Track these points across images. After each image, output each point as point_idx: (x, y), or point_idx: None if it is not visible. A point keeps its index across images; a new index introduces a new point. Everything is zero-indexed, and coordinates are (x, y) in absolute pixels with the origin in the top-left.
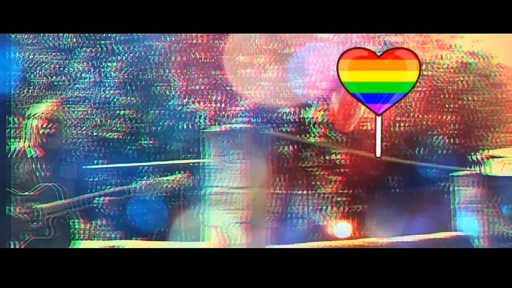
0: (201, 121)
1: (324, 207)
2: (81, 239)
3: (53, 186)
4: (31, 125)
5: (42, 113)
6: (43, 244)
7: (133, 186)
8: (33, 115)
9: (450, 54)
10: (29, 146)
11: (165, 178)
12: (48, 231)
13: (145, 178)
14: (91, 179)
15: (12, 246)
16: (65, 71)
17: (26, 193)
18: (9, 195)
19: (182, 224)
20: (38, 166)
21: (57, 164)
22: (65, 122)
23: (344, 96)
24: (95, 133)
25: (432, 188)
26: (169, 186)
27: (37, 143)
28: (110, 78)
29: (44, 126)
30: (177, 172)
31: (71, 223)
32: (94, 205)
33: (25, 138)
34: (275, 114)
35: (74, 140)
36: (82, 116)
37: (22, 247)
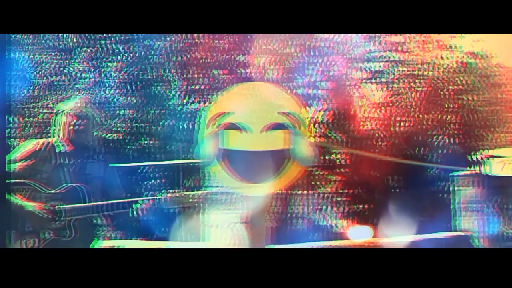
0: (201, 121)
1: (324, 207)
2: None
3: (78, 187)
4: (60, 121)
5: (71, 110)
6: (62, 244)
7: (157, 198)
8: (62, 111)
9: (450, 54)
10: (58, 141)
11: (191, 193)
12: (69, 232)
13: (170, 190)
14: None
15: (32, 244)
16: (65, 71)
17: (52, 191)
18: (33, 190)
19: (182, 224)
20: (66, 161)
21: (84, 161)
22: (94, 119)
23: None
24: (95, 133)
25: (432, 188)
26: (194, 201)
27: (66, 138)
28: (110, 78)
29: (73, 122)
30: (203, 188)
31: (93, 225)
32: (127, 211)
33: (54, 134)
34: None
35: None
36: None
37: (42, 245)
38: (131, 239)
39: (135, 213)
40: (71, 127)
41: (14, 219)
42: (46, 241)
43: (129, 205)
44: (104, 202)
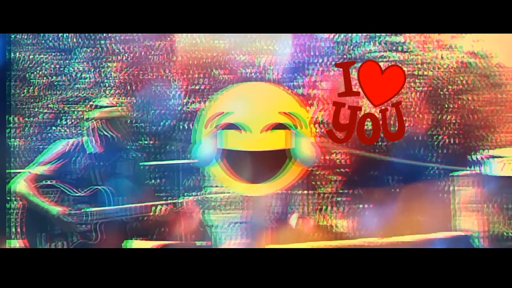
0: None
1: (324, 207)
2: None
3: (103, 190)
4: (91, 127)
5: (102, 115)
6: (89, 247)
7: (179, 201)
8: (93, 118)
9: (450, 54)
10: (88, 142)
11: (214, 196)
12: (94, 235)
13: (193, 193)
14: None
15: (60, 247)
16: (65, 71)
17: (78, 194)
18: (61, 193)
19: (182, 224)
20: (96, 163)
21: (114, 161)
22: (125, 121)
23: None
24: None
25: (432, 188)
26: (217, 204)
27: (98, 142)
28: (110, 78)
29: (105, 127)
30: (225, 191)
31: (119, 228)
32: (149, 215)
33: (85, 135)
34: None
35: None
36: (82, 116)
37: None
38: (131, 239)
39: (156, 216)
40: (102, 133)
41: (44, 221)
42: (74, 244)
43: (150, 209)
44: (127, 206)
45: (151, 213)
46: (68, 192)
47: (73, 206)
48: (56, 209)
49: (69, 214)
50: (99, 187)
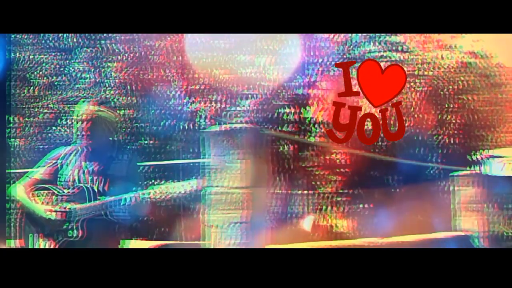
0: (201, 121)
1: (324, 207)
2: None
3: (85, 187)
4: (77, 127)
5: (83, 114)
6: (74, 245)
7: (147, 191)
8: (77, 117)
9: (450, 54)
10: (81, 145)
11: (179, 184)
12: (76, 233)
13: (159, 183)
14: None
15: (48, 246)
16: (65, 71)
17: (63, 193)
18: (53, 194)
19: (182, 224)
20: (88, 164)
21: (108, 161)
22: (110, 120)
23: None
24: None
25: (432, 188)
26: (183, 191)
27: (87, 143)
28: (110, 78)
29: (89, 127)
30: (192, 177)
31: (104, 224)
32: (120, 207)
33: (75, 140)
34: (275, 114)
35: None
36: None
37: (56, 246)
38: (131, 239)
39: (126, 206)
40: (88, 132)
41: (35, 222)
42: (59, 243)
43: (123, 201)
44: (102, 201)
45: (121, 204)
46: (58, 193)
47: (60, 205)
48: (42, 209)
49: (53, 213)
50: (82, 185)
